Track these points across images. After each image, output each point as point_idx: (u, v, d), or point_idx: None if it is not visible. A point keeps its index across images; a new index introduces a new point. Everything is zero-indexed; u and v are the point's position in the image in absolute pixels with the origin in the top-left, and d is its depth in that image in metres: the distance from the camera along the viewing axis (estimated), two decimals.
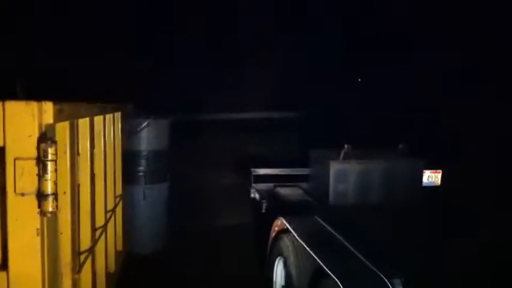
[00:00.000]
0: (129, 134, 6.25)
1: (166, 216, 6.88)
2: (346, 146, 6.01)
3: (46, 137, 2.28)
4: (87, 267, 3.75)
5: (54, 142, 2.28)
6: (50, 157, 2.24)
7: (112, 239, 5.17)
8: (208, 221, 7.91)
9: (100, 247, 4.42)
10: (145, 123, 6.53)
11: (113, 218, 5.16)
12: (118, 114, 5.38)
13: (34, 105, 2.27)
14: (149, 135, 6.63)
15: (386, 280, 3.23)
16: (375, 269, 3.39)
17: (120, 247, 5.72)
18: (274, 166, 6.84)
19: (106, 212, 4.73)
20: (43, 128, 2.31)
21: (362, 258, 3.58)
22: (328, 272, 3.29)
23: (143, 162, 6.62)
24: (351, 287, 3.15)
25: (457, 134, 7.22)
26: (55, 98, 2.41)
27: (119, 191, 5.68)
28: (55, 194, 2.28)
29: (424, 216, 5.05)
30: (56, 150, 2.27)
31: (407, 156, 6.11)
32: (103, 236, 4.52)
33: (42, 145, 2.23)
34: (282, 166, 6.88)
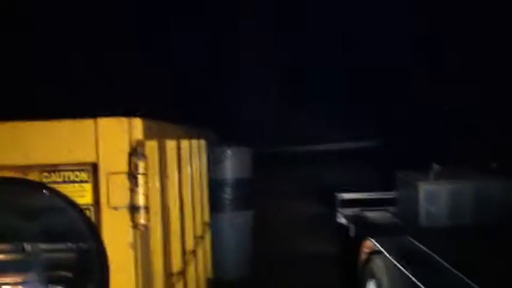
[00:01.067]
0: (213, 162, 6.34)
1: (252, 243, 6.86)
2: (434, 165, 5.77)
3: (137, 151, 2.33)
4: None
5: (145, 156, 2.33)
6: (140, 171, 2.29)
7: (202, 266, 5.20)
8: (294, 248, 7.82)
9: (191, 272, 4.45)
10: (229, 151, 6.60)
11: (201, 244, 5.21)
12: (203, 141, 5.48)
13: (125, 121, 2.34)
14: (233, 164, 6.70)
15: None
16: (475, 287, 3.16)
17: (209, 274, 5.75)
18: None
19: (195, 237, 4.78)
20: (133, 144, 2.36)
21: (463, 276, 3.36)
22: None
23: (228, 190, 6.67)
24: None
25: None
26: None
27: (206, 218, 5.74)
28: (146, 207, 2.31)
29: None
30: (146, 164, 2.32)
31: (502, 174, 5.78)
32: (193, 261, 4.55)
33: (133, 159, 2.29)
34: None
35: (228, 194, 6.67)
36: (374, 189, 6.79)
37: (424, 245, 4.03)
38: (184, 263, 4.06)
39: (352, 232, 5.82)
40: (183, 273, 3.93)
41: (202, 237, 5.31)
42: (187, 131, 4.42)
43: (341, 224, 6.25)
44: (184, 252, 4.11)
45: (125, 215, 2.32)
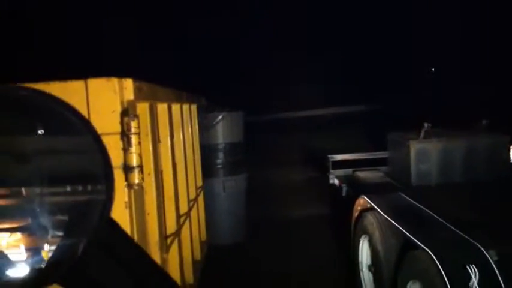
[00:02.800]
0: (205, 128, 6.34)
1: (246, 207, 6.92)
2: (425, 124, 5.81)
3: (128, 111, 2.34)
4: (174, 250, 3.82)
5: (137, 116, 2.33)
6: (133, 131, 2.29)
7: (196, 228, 5.26)
8: (287, 210, 7.91)
9: (185, 234, 4.50)
10: (221, 116, 6.60)
11: (195, 207, 5.26)
12: (194, 106, 5.47)
13: (115, 81, 2.34)
14: (225, 128, 6.70)
15: (483, 250, 3.05)
16: (470, 239, 3.21)
17: (204, 237, 5.82)
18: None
19: (189, 200, 4.82)
20: (125, 104, 2.36)
21: (454, 229, 3.42)
22: (419, 243, 3.16)
23: (221, 154, 6.69)
24: (445, 257, 3.01)
25: None
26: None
27: (199, 182, 5.78)
28: (140, 167, 2.33)
29: None
30: (138, 124, 2.32)
31: (492, 131, 5.83)
32: (187, 223, 4.60)
33: (125, 119, 2.29)
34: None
35: (220, 158, 6.69)
36: (367, 151, 6.85)
37: (415, 201, 4.09)
38: (179, 225, 4.10)
39: (344, 192, 5.89)
40: (177, 234, 3.98)
41: (196, 200, 5.35)
42: (179, 95, 4.40)
43: (333, 185, 6.31)
44: (178, 214, 4.15)
45: (120, 175, 2.33)
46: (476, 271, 2.80)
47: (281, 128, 15.31)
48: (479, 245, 3.07)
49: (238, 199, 6.85)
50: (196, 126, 5.67)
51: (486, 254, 3.00)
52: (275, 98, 18.22)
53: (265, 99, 17.59)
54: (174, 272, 3.83)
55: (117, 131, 2.32)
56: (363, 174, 6.11)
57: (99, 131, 2.30)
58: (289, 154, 12.21)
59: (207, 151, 6.40)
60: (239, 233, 6.77)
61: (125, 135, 2.30)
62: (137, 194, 2.46)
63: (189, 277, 4.62)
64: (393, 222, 3.64)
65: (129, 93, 2.39)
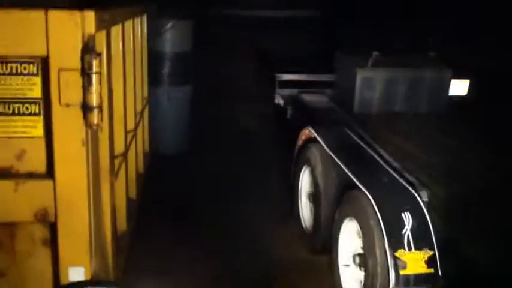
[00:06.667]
0: (153, 34, 6.13)
1: (190, 118, 6.94)
2: (373, 53, 5.87)
3: (89, 48, 2.25)
4: (122, 170, 3.86)
5: (98, 54, 2.25)
6: (94, 69, 2.22)
7: (141, 142, 5.27)
8: (231, 122, 7.98)
9: (131, 150, 4.51)
10: (170, 24, 6.38)
11: (141, 121, 5.23)
12: (144, 16, 5.26)
13: (77, 14, 2.22)
14: (173, 37, 6.52)
15: (413, 191, 3.30)
16: (402, 182, 3.45)
17: (147, 148, 5.84)
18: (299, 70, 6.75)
19: (136, 115, 4.78)
20: (86, 38, 2.27)
21: (390, 170, 3.64)
22: (359, 185, 3.36)
23: (167, 64, 6.56)
24: (379, 198, 3.22)
25: (490, 42, 6.99)
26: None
27: (146, 93, 5.71)
28: (100, 107, 2.29)
29: (449, 126, 5.06)
30: (100, 62, 2.25)
31: (436, 64, 5.99)
32: (134, 140, 4.60)
33: (87, 57, 2.21)
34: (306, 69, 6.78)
35: (167, 67, 6.56)
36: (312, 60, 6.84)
37: (357, 137, 4.26)
38: (126, 144, 4.10)
39: (288, 114, 5.99)
40: (124, 154, 3.99)
41: (142, 113, 5.32)
42: (131, 10, 4.21)
43: (279, 105, 6.38)
44: (126, 133, 4.13)
45: (78, 113, 2.28)
46: (411, 219, 3.03)
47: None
48: (409, 188, 3.32)
49: (182, 109, 6.84)
50: (145, 36, 5.48)
51: (416, 196, 3.25)
52: None
53: None
54: (119, 190, 3.89)
55: (77, 67, 2.24)
56: (308, 97, 6.19)
57: (59, 65, 2.25)
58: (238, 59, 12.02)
59: (153, 59, 6.24)
60: (182, 143, 6.84)
61: (85, 73, 2.23)
62: (94, 132, 2.43)
63: (132, 192, 4.70)
64: (336, 159, 3.80)
65: (91, 26, 2.28)
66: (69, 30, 2.22)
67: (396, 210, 3.08)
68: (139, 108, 5.09)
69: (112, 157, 3.39)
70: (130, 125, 4.50)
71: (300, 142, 4.72)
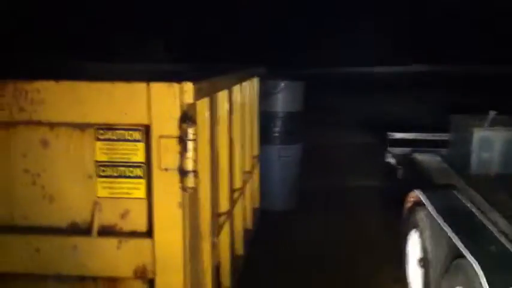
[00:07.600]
0: (265, 95, 6.36)
1: (299, 176, 7.01)
2: (491, 112, 5.60)
3: (187, 117, 2.41)
4: (226, 228, 3.97)
5: (194, 123, 2.41)
6: (190, 137, 2.38)
7: (249, 199, 5.40)
8: (341, 181, 7.94)
9: (238, 208, 4.64)
10: (282, 84, 6.60)
11: (250, 179, 5.37)
12: (255, 79, 5.49)
13: (176, 86, 2.40)
14: (285, 97, 6.70)
15: None
16: None
17: (256, 204, 5.97)
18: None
19: (244, 173, 4.93)
20: (184, 108, 2.43)
21: (502, 240, 3.37)
22: (467, 254, 3.15)
23: (279, 123, 6.74)
24: (491, 271, 2.99)
25: None
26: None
27: (256, 151, 5.87)
28: (195, 171, 2.42)
29: None
30: (195, 130, 2.40)
31: None
32: (241, 197, 4.73)
33: (183, 125, 2.37)
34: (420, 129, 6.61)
35: (278, 126, 6.73)
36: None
37: (469, 202, 4.01)
38: (232, 202, 4.22)
39: (399, 174, 5.83)
40: (229, 212, 4.10)
41: (251, 172, 5.46)
42: (239, 76, 4.42)
43: (389, 164, 6.23)
44: (232, 191, 4.27)
45: (175, 176, 2.44)
46: None
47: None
48: None
49: (292, 167, 6.93)
50: (256, 97, 5.70)
51: None
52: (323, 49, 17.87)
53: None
54: (223, 246, 4.00)
55: (175, 135, 2.41)
56: (421, 158, 5.97)
57: (159, 133, 2.43)
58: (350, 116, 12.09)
59: (265, 119, 6.45)
60: (291, 200, 6.89)
61: (182, 140, 2.39)
62: (191, 195, 2.56)
63: (239, 247, 4.80)
64: (444, 225, 3.61)
65: (189, 97, 2.45)
66: (168, 101, 2.40)
67: (506, 285, 2.84)
68: (248, 167, 5.24)
69: (214, 217, 3.52)
70: (238, 184, 4.64)
71: (408, 204, 4.55)
